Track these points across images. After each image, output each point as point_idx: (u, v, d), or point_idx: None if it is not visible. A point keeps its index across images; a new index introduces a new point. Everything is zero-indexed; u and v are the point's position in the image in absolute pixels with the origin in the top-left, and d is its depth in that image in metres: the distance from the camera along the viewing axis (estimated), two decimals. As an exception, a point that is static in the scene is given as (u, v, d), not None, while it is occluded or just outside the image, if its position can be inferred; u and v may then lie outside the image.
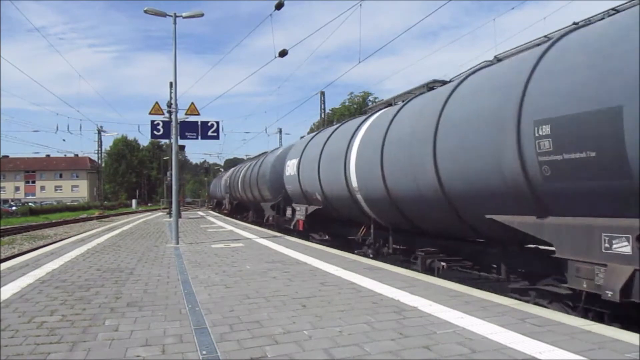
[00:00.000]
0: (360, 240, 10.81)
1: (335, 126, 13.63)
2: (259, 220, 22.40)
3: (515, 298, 5.63)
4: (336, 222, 13.06)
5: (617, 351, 3.39)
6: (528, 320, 4.24)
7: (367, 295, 5.46)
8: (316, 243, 12.17)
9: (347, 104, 64.36)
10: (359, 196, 9.98)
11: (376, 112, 10.89)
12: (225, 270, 7.47)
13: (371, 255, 9.78)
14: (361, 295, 5.44)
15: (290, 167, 15.25)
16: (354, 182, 10.07)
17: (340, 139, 11.67)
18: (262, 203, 20.39)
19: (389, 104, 10.95)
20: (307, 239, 13.31)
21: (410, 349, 3.55)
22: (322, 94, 38.00)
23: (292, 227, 15.03)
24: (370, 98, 63.72)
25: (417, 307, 4.82)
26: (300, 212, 14.27)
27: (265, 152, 25.43)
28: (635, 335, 3.72)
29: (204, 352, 3.56)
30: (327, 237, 13.34)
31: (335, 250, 10.14)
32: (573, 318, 4.36)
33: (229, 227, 18.25)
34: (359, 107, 59.25)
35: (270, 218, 18.60)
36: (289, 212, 16.02)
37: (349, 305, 4.96)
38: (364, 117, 11.31)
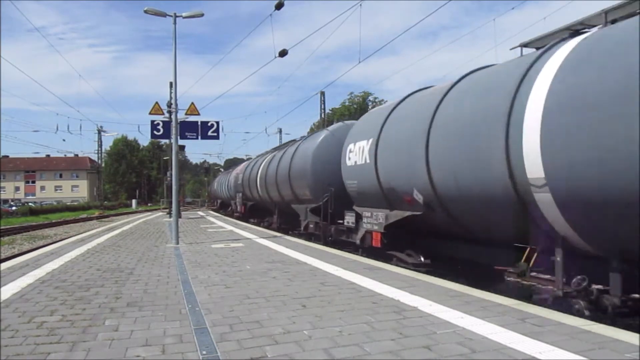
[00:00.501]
0: (527, 274, 6.05)
1: (456, 79, 7.87)
2: (285, 227, 18.00)
3: None
4: (444, 237, 8.29)
5: (617, 351, 3.39)
6: (528, 320, 4.24)
7: (367, 295, 5.46)
8: (407, 269, 7.96)
9: (347, 104, 64.44)
10: (540, 195, 5.40)
11: (558, 42, 5.92)
12: (225, 270, 7.47)
13: (587, 312, 5.17)
14: (361, 295, 5.44)
15: (357, 154, 10.43)
16: (534, 169, 5.35)
17: (480, 94, 6.74)
18: (296, 205, 15.68)
19: (576, 30, 6.13)
20: (386, 259, 8.96)
21: (410, 349, 3.55)
22: (322, 94, 37.99)
23: (357, 241, 10.59)
24: (370, 98, 63.83)
25: (417, 307, 4.82)
26: (374, 219, 9.70)
27: (292, 141, 19.90)
28: (635, 335, 3.73)
29: (204, 352, 3.56)
30: (422, 259, 8.54)
31: (335, 250, 10.11)
32: (573, 318, 4.36)
33: (229, 227, 18.25)
34: (359, 107, 59.33)
35: (311, 226, 14.04)
36: (349, 219, 11.33)
37: (349, 305, 4.96)
38: (537, 53, 6.15)
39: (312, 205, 13.77)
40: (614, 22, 5.54)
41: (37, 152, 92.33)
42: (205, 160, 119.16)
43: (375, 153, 9.38)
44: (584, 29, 5.99)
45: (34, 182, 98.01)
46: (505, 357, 3.33)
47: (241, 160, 45.70)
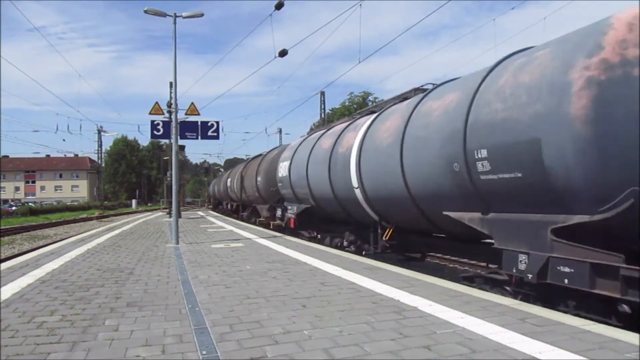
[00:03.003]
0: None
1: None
2: None
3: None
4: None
5: (617, 351, 3.39)
6: (528, 320, 4.24)
7: (367, 295, 5.46)
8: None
9: (347, 104, 64.37)
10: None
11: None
12: (225, 270, 7.47)
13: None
14: (361, 295, 5.44)
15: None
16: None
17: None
18: None
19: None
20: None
21: (410, 349, 3.55)
22: (322, 94, 38.04)
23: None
24: (370, 98, 63.77)
25: (417, 307, 4.82)
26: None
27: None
28: (635, 335, 3.73)
29: (204, 352, 3.56)
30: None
31: (335, 250, 10.13)
32: (573, 318, 4.36)
33: (229, 227, 18.25)
34: (359, 107, 59.28)
35: None
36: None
37: (349, 305, 4.95)
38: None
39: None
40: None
41: (37, 152, 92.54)
42: (205, 160, 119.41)
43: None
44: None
45: (34, 182, 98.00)
46: (505, 357, 3.33)
47: (241, 160, 43.31)
